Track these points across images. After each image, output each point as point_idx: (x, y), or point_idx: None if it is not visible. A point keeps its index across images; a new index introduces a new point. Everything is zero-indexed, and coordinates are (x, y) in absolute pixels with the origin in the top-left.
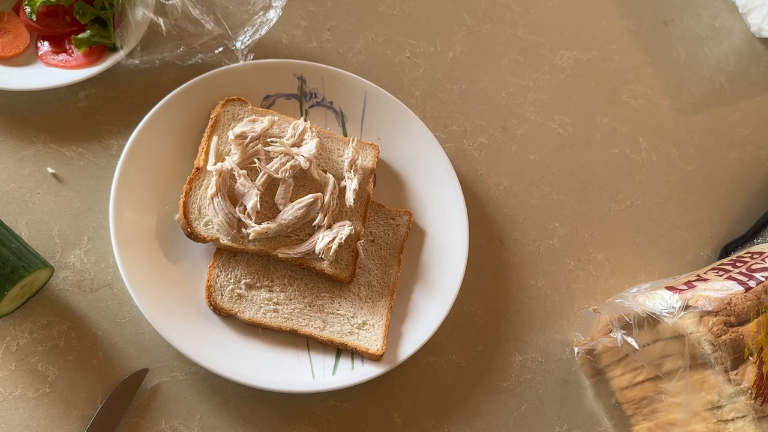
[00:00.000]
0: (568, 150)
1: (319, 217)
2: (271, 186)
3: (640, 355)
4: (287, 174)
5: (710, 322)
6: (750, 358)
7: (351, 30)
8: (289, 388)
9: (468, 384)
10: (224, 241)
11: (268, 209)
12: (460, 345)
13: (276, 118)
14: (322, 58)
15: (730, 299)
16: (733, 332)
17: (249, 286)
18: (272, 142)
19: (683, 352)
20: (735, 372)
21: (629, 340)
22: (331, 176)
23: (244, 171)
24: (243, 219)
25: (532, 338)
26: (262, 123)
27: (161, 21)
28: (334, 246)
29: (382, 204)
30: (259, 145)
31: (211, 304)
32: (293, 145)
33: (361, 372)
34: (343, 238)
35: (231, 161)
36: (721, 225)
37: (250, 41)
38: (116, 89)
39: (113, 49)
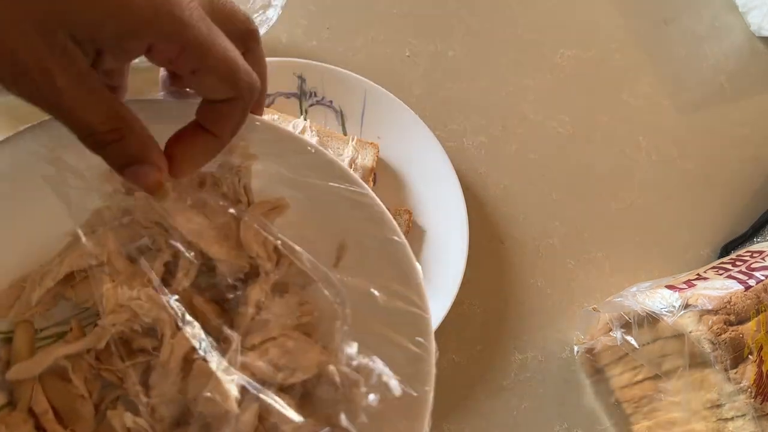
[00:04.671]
0: (568, 149)
1: None
2: None
3: (639, 354)
4: None
5: (710, 321)
6: (750, 356)
7: (351, 29)
8: None
9: (468, 383)
10: None
11: None
12: (460, 344)
13: (276, 116)
14: (322, 57)
15: (730, 298)
16: (732, 331)
17: None
18: None
19: (683, 350)
20: (735, 371)
21: (629, 338)
22: None
23: None
24: None
25: (532, 337)
26: None
27: None
28: None
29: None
30: None
31: None
32: None
33: None
34: None
35: None
36: (721, 224)
37: None
38: None
39: None
